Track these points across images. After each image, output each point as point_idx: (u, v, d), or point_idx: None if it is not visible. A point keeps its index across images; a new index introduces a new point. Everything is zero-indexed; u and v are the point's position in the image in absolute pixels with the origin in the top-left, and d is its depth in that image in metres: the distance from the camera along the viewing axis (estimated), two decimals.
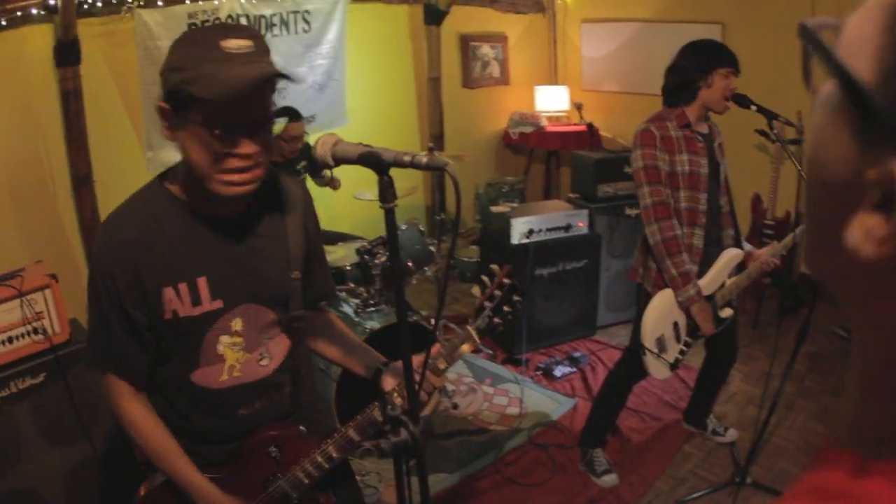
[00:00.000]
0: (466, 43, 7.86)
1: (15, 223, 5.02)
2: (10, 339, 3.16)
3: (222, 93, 1.58)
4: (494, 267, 2.14)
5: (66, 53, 4.81)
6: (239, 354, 1.94)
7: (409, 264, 4.81)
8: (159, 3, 5.00)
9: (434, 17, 7.13)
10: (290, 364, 2.06)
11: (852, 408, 0.62)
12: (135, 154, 5.29)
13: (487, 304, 2.10)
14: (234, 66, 1.61)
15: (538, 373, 5.30)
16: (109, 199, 5.20)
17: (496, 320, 2.11)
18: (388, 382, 2.05)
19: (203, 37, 1.70)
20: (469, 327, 2.09)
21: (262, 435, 1.99)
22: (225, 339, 1.91)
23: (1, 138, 4.88)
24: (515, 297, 2.13)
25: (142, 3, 4.90)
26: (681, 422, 4.51)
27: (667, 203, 3.49)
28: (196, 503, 1.89)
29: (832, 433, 0.63)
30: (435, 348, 2.05)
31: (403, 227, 4.91)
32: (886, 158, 0.48)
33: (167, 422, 1.93)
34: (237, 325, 1.92)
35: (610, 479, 3.97)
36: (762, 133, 4.68)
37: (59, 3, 4.56)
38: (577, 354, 5.48)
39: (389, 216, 1.52)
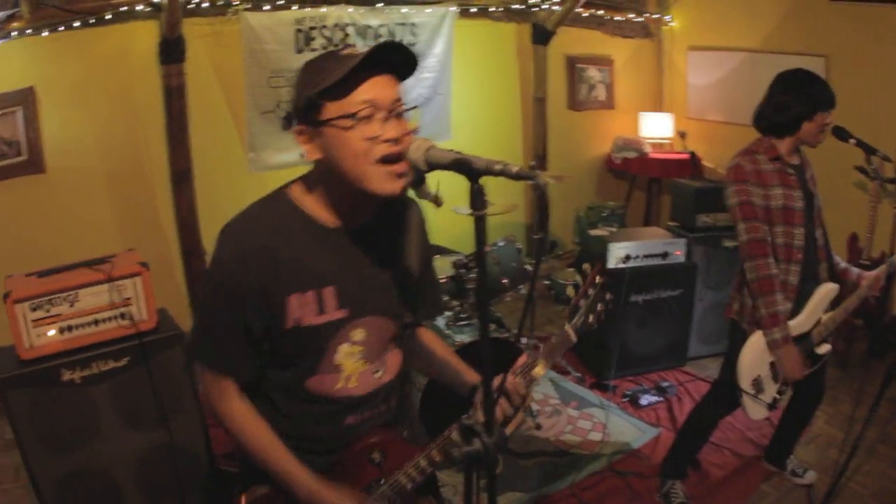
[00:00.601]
0: (573, 64, 7.87)
1: (111, 211, 5.23)
2: (96, 322, 3.28)
3: (347, 69, 1.66)
4: (587, 266, 2.21)
5: (171, 51, 5.00)
6: (358, 364, 1.97)
7: (505, 281, 4.84)
8: (266, 7, 5.13)
9: (541, 36, 7.16)
10: (402, 376, 2.13)
11: None
12: (235, 153, 5.44)
13: (583, 302, 2.16)
14: (355, 58, 1.70)
15: (624, 399, 5.28)
16: (208, 196, 5.39)
17: (590, 319, 2.21)
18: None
19: (325, 56, 1.81)
20: (567, 326, 2.20)
21: (365, 441, 2.01)
22: (345, 347, 1.94)
23: (102, 128, 5.09)
24: (608, 296, 2.23)
25: (249, 6, 5.03)
26: (761, 459, 4.44)
27: (763, 240, 3.44)
28: (304, 501, 1.90)
29: None
30: (521, 359, 2.12)
31: (501, 243, 4.96)
32: None
33: (272, 425, 1.95)
34: (358, 335, 1.95)
35: None
36: (861, 170, 4.58)
37: (165, 0, 4.72)
38: (665, 384, 5.43)
39: (479, 224, 1.53)
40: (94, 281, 3.24)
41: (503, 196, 5.85)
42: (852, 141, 3.50)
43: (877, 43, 6.33)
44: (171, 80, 5.06)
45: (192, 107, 5.22)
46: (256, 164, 5.35)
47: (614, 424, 4.91)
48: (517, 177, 1.51)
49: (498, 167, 1.52)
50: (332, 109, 1.72)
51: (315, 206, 1.89)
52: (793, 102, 3.43)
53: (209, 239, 5.38)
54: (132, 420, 3.39)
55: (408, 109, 1.81)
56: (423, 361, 2.29)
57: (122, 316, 3.32)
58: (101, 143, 5.06)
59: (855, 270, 3.77)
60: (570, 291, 2.25)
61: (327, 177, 1.84)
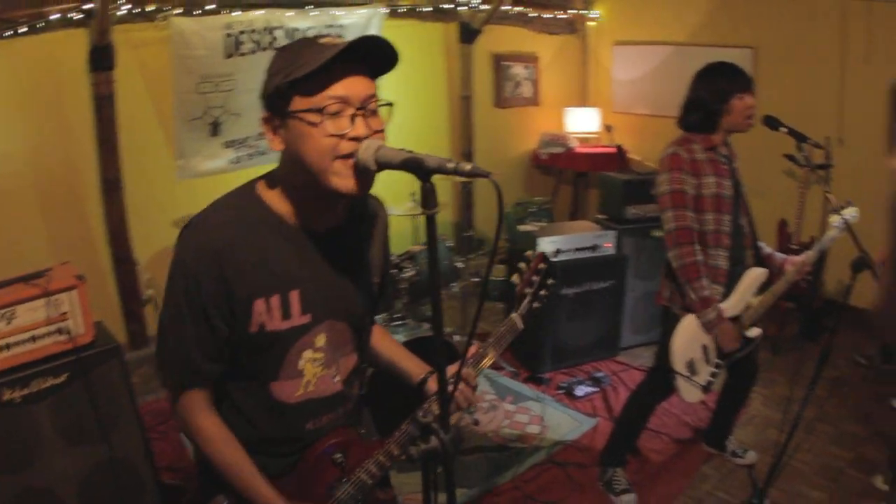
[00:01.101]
0: (499, 62, 7.91)
1: (43, 224, 5.08)
2: (33, 338, 3.14)
3: (322, 61, 1.60)
4: (529, 253, 2.23)
5: (101, 58, 4.87)
6: (318, 370, 1.93)
7: None
8: (196, 13, 5.05)
9: (468, 35, 7.17)
10: (355, 378, 2.08)
11: None
12: (165, 161, 5.33)
13: (528, 290, 2.18)
14: (331, 49, 1.63)
15: (560, 392, 5.31)
16: (138, 205, 5.29)
17: (535, 305, 2.22)
18: (434, 386, 2.09)
19: (298, 43, 1.74)
20: (514, 315, 2.20)
21: (325, 442, 1.97)
22: (307, 353, 1.90)
23: (32, 139, 4.94)
24: (550, 281, 2.23)
25: (179, 11, 4.96)
26: (700, 443, 4.51)
27: (690, 228, 3.52)
28: None
29: None
30: (472, 349, 2.10)
31: None
32: None
33: (233, 429, 1.89)
34: (321, 340, 1.91)
35: (629, 499, 3.97)
36: (790, 158, 4.69)
37: (96, 8, 4.61)
38: (599, 375, 5.48)
39: (431, 223, 1.49)
40: (31, 296, 3.10)
41: None
42: (783, 129, 3.58)
43: (804, 32, 6.51)
44: (100, 89, 4.93)
45: (121, 115, 5.10)
46: (185, 171, 5.25)
47: (551, 416, 4.93)
48: (471, 175, 1.48)
49: (451, 166, 1.48)
50: (300, 101, 1.66)
51: (281, 204, 1.83)
52: (706, 97, 3.53)
53: (140, 248, 5.30)
54: (74, 437, 3.27)
55: (381, 105, 1.76)
56: (371, 355, 2.25)
57: (60, 331, 3.19)
58: (31, 154, 4.90)
59: (779, 256, 3.87)
60: (514, 279, 2.27)
61: (291, 170, 1.78)
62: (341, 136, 1.66)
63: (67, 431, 3.25)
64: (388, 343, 2.32)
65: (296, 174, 1.75)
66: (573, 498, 4.05)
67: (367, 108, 1.70)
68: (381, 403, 3.54)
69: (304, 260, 1.84)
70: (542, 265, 2.23)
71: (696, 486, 4.15)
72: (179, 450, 4.36)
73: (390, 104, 1.79)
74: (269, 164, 4.96)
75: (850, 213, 3.70)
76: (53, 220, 5.11)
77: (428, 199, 1.50)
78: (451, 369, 2.05)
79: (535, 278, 2.23)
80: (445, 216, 7.67)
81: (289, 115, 1.69)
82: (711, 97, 3.51)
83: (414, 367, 2.22)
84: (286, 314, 1.82)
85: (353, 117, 1.67)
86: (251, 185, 1.88)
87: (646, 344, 6.02)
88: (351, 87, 1.68)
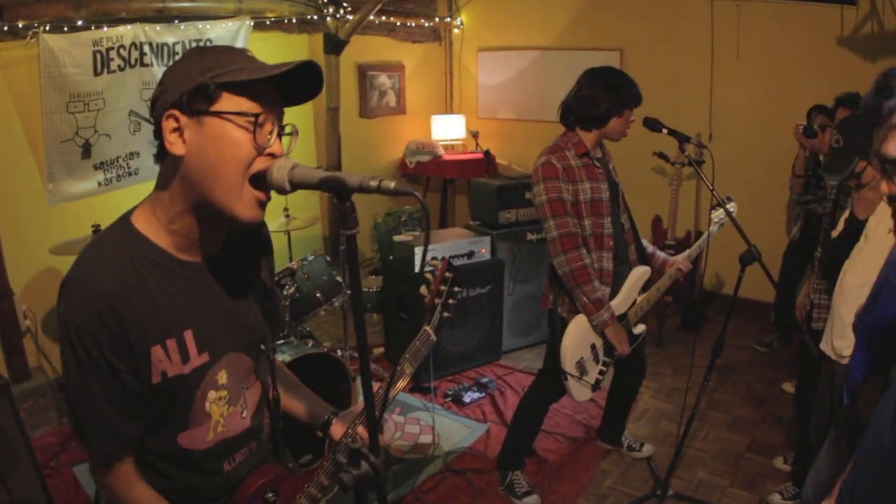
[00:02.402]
0: (364, 72, 7.85)
1: None
2: None
3: (276, 71, 1.52)
4: (434, 262, 2.20)
5: None
6: (224, 409, 1.82)
7: (318, 295, 4.77)
8: (65, 29, 4.85)
9: (334, 46, 7.09)
10: (263, 409, 1.98)
11: None
12: (36, 186, 5.06)
13: (437, 300, 2.15)
14: (268, 64, 1.56)
15: (447, 400, 5.31)
16: (11, 232, 5.01)
17: (445, 314, 2.18)
18: (338, 431, 2.02)
19: (225, 48, 1.62)
20: (426, 327, 2.15)
21: (253, 484, 1.88)
22: (212, 394, 1.78)
23: None
24: (456, 288, 2.20)
25: (47, 28, 4.74)
26: (595, 440, 4.59)
27: (573, 233, 3.56)
28: None
29: None
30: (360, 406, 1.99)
31: (311, 257, 4.87)
32: None
33: (150, 485, 1.75)
34: (223, 377, 1.80)
35: (532, 500, 3.99)
36: (661, 156, 4.81)
37: None
38: (484, 380, 5.51)
39: (351, 243, 1.44)
40: None
41: (303, 210, 5.80)
42: (664, 131, 3.67)
43: (669, 34, 6.77)
44: None
45: None
46: (55, 195, 4.99)
47: (442, 425, 4.91)
48: (395, 193, 1.44)
49: (373, 184, 1.43)
50: (229, 103, 1.54)
51: (163, 235, 1.67)
52: (603, 99, 3.56)
53: (15, 278, 5.03)
54: None
55: (289, 134, 1.68)
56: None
57: None
58: None
59: (661, 255, 3.99)
60: (422, 291, 2.24)
61: (182, 186, 1.61)
62: (262, 150, 1.57)
63: None
64: (285, 381, 2.20)
65: (187, 189, 1.61)
66: None
67: (278, 129, 1.62)
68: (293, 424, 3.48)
69: (193, 294, 1.72)
70: (448, 273, 2.21)
71: (598, 483, 4.22)
72: (74, 486, 4.16)
73: (296, 131, 1.70)
74: (139, 185, 4.78)
75: (731, 207, 3.83)
76: None
77: (347, 220, 1.44)
78: (357, 410, 2.02)
79: (442, 287, 2.21)
80: (317, 230, 7.57)
81: (210, 115, 1.54)
82: (610, 101, 3.56)
83: (314, 408, 2.14)
84: (185, 357, 1.70)
85: (272, 131, 1.59)
86: (126, 219, 1.70)
87: (527, 346, 6.11)
88: (274, 104, 1.61)
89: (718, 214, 3.92)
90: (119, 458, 1.68)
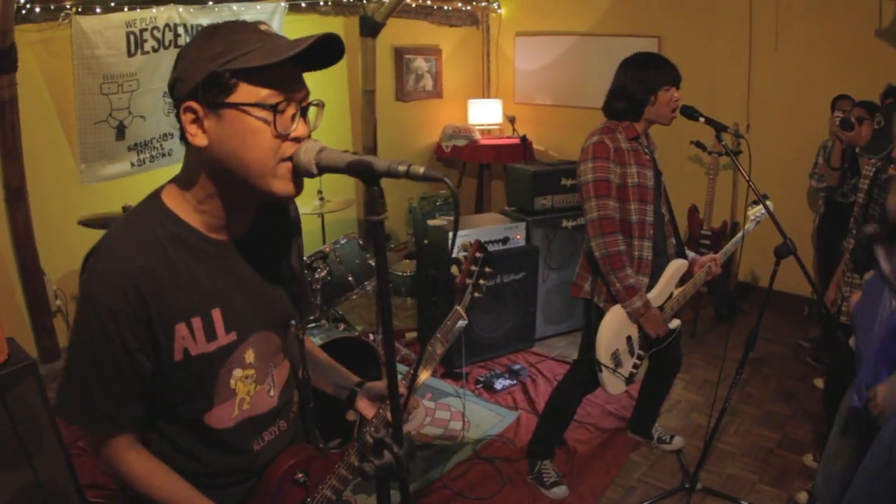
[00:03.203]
0: (401, 56, 7.84)
1: None
2: None
3: (290, 52, 1.45)
4: (466, 242, 2.19)
5: (3, 61, 4.61)
6: (250, 387, 1.80)
7: (350, 279, 4.75)
8: (97, 11, 4.85)
9: (370, 29, 7.08)
10: (292, 387, 1.97)
11: None
12: (69, 167, 5.12)
13: (468, 281, 2.14)
14: (283, 39, 1.51)
15: (479, 386, 5.29)
16: (43, 213, 5.06)
17: (476, 294, 2.17)
18: (363, 404, 2.03)
19: (235, 25, 1.55)
20: (458, 307, 2.14)
21: (283, 464, 1.87)
22: (238, 372, 1.75)
23: None
24: (488, 269, 2.18)
25: (80, 9, 4.75)
26: (626, 431, 4.55)
27: (613, 217, 3.51)
28: None
29: None
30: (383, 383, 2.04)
31: (343, 240, 4.85)
32: None
33: (178, 469, 1.74)
34: (250, 356, 1.78)
35: (560, 491, 3.97)
36: (698, 144, 4.75)
37: None
38: (516, 367, 5.48)
39: (379, 229, 1.38)
40: None
41: (337, 193, 5.79)
42: (702, 119, 3.60)
43: (707, 21, 6.67)
44: (2, 92, 4.65)
45: (22, 119, 4.83)
46: (88, 176, 5.04)
47: (473, 412, 4.90)
48: (424, 178, 1.36)
49: (402, 168, 1.36)
50: (246, 93, 1.48)
51: (192, 214, 1.65)
52: (632, 88, 3.52)
53: (46, 258, 5.06)
54: None
55: (314, 104, 1.62)
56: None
57: None
58: None
59: (690, 255, 3.91)
60: (453, 270, 2.22)
61: (208, 172, 1.59)
62: (285, 137, 1.53)
63: None
64: (312, 358, 2.18)
65: (215, 176, 1.59)
66: (504, 493, 4.03)
67: (303, 105, 1.58)
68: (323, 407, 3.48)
69: (222, 273, 1.70)
70: (479, 254, 2.19)
71: (627, 475, 4.18)
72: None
73: (321, 104, 1.65)
74: (172, 166, 4.78)
75: (769, 205, 3.76)
76: None
77: (375, 205, 1.39)
78: (380, 385, 2.02)
79: (473, 268, 2.18)
80: (351, 213, 7.57)
81: (227, 107, 1.49)
82: (639, 87, 3.50)
83: (341, 380, 2.14)
84: (211, 335, 1.68)
85: (293, 116, 1.54)
86: (156, 196, 1.68)
87: (560, 334, 6.08)
88: (296, 82, 1.55)
89: (755, 212, 3.84)
90: (118, 431, 1.66)
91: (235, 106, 1.49)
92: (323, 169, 1.50)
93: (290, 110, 1.54)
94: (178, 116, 1.56)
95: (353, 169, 1.42)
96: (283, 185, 1.56)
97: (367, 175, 1.39)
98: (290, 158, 1.54)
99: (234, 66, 1.46)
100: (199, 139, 1.53)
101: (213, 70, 1.47)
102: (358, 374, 2.13)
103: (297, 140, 1.54)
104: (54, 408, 2.11)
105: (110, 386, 1.60)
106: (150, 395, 1.66)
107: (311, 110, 1.61)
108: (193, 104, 1.51)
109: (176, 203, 1.65)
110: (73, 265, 5.34)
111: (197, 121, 1.52)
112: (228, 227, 1.70)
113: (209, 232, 1.67)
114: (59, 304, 5.27)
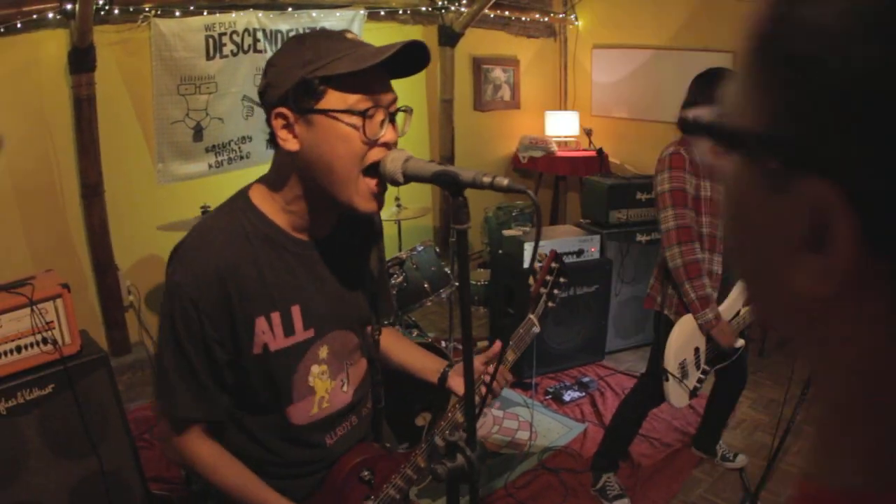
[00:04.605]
0: (479, 65, 7.91)
1: (22, 230, 5.00)
2: (18, 349, 3.07)
3: (379, 58, 1.51)
4: (542, 253, 2.22)
5: (82, 60, 4.79)
6: (327, 383, 1.87)
7: (426, 286, 4.82)
8: (176, 14, 5.01)
9: (449, 38, 7.17)
10: (367, 385, 2.04)
11: (815, 443, 0.65)
12: (146, 165, 5.29)
13: (543, 290, 2.19)
14: (370, 47, 1.57)
15: (548, 397, 5.32)
16: (119, 210, 5.23)
17: (550, 304, 2.23)
18: (456, 381, 2.07)
19: (323, 33, 1.64)
20: (531, 315, 2.20)
21: (351, 462, 1.94)
22: (315, 369, 1.83)
23: (11, 142, 4.85)
24: (563, 279, 2.24)
25: (159, 12, 4.91)
26: (690, 447, 4.55)
27: (690, 227, 3.52)
28: None
29: (806, 468, 0.65)
30: (496, 345, 2.03)
31: (420, 248, 4.92)
32: (798, 192, 0.50)
33: (250, 459, 1.82)
34: (324, 352, 1.84)
35: None
36: None
37: (77, 8, 4.52)
38: (585, 379, 5.50)
39: (462, 238, 1.46)
40: (16, 305, 3.02)
41: (414, 201, 5.86)
42: None
43: None
44: (81, 91, 4.84)
45: (101, 118, 5.01)
46: (165, 175, 5.20)
47: (540, 422, 4.94)
48: (507, 190, 1.42)
49: (486, 180, 1.40)
50: (335, 99, 1.56)
51: (279, 213, 1.74)
52: (700, 103, 3.52)
53: (121, 254, 5.21)
54: (61, 449, 3.21)
55: (402, 110, 1.69)
56: (382, 359, 2.19)
57: (45, 341, 3.11)
58: (10, 158, 4.79)
59: None
60: (530, 280, 2.27)
61: (298, 175, 1.67)
62: (374, 142, 1.60)
63: (55, 443, 3.19)
64: (401, 343, 2.28)
65: (302, 178, 1.67)
66: None
67: (391, 111, 1.64)
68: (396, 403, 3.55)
69: (303, 271, 1.77)
70: (554, 264, 2.23)
71: (688, 491, 4.18)
72: (167, 460, 4.33)
73: (410, 109, 1.71)
74: (250, 168, 4.90)
75: None
76: (33, 225, 5.02)
77: (459, 214, 1.44)
78: (477, 362, 2.02)
79: (548, 278, 2.23)
80: (427, 221, 7.65)
81: (318, 113, 1.56)
82: (707, 104, 3.51)
83: (431, 363, 2.18)
84: (289, 330, 1.75)
85: (382, 122, 1.61)
86: (244, 193, 1.78)
87: (631, 348, 6.07)
88: (384, 87, 1.62)
89: None
90: (195, 420, 1.75)
91: (325, 112, 1.56)
92: (409, 178, 1.56)
93: (379, 116, 1.60)
94: (268, 121, 1.63)
95: (439, 179, 1.47)
96: (363, 202, 1.64)
97: (452, 185, 1.44)
98: (374, 172, 1.61)
99: (323, 72, 1.53)
100: (291, 144, 1.61)
101: (302, 77, 1.54)
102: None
103: (386, 145, 1.61)
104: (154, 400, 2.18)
105: (194, 373, 1.68)
106: (228, 386, 1.74)
107: (400, 116, 1.68)
108: (284, 110, 1.58)
109: (263, 201, 1.74)
110: (147, 262, 5.53)
111: (287, 126, 1.60)
112: (312, 228, 1.77)
113: (293, 231, 1.75)
114: (132, 299, 5.43)
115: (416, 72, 1.68)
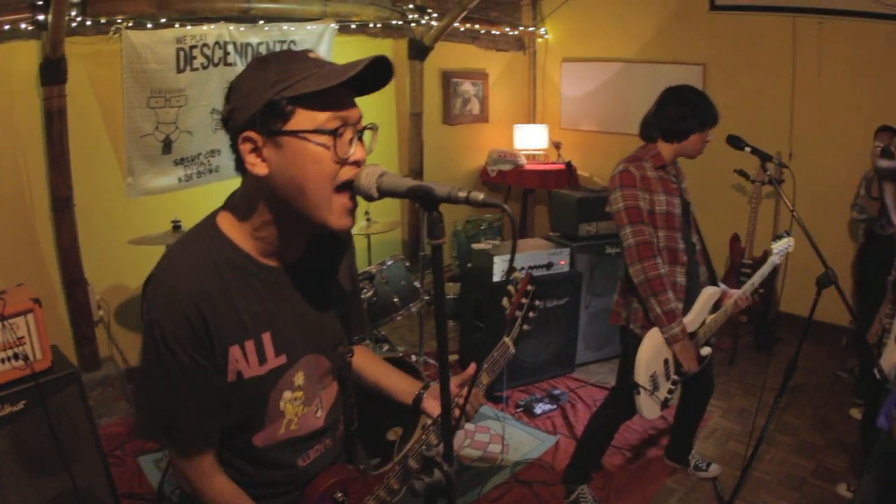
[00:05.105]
0: (448, 79, 7.91)
1: None
2: None
3: (344, 76, 1.49)
4: (517, 275, 2.22)
5: (53, 72, 4.72)
6: (299, 409, 1.84)
7: (396, 300, 4.81)
8: (148, 26, 4.97)
9: (418, 52, 7.17)
10: (338, 410, 2.00)
11: None
12: (116, 179, 5.20)
13: (518, 313, 2.17)
14: (334, 65, 1.55)
15: (519, 410, 5.31)
16: (89, 224, 5.15)
17: (525, 327, 2.21)
18: (430, 404, 2.05)
19: (286, 55, 1.60)
20: (506, 338, 2.18)
21: (323, 483, 1.89)
22: (287, 394, 1.80)
23: None
24: (538, 302, 2.22)
25: (130, 24, 4.86)
26: (662, 458, 4.56)
27: (650, 242, 3.55)
28: None
29: None
30: (471, 368, 2.03)
31: (389, 262, 4.92)
32: None
33: None
34: (300, 378, 1.82)
35: None
36: (741, 173, 4.75)
37: (50, 19, 4.44)
38: (556, 392, 5.50)
39: (437, 253, 1.44)
40: None
41: (383, 215, 5.86)
42: (747, 149, 3.64)
43: (751, 49, 6.68)
44: (52, 103, 4.76)
45: (71, 130, 4.94)
46: (135, 189, 5.13)
47: (512, 435, 4.93)
48: (483, 204, 1.43)
49: (461, 195, 1.42)
50: (304, 119, 1.53)
51: (248, 241, 1.70)
52: (684, 115, 3.57)
53: (91, 268, 5.14)
54: (33, 467, 3.17)
55: (368, 128, 1.66)
56: (355, 378, 2.14)
57: (17, 357, 3.07)
58: None
59: (721, 286, 3.92)
60: (504, 303, 2.26)
61: (267, 200, 1.64)
62: (344, 161, 1.57)
63: (27, 461, 3.15)
64: (374, 363, 2.23)
65: (274, 204, 1.63)
66: None
67: (359, 130, 1.62)
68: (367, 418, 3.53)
69: (274, 298, 1.74)
70: (529, 287, 2.23)
71: (662, 501, 4.19)
72: (138, 476, 4.28)
73: (375, 126, 1.68)
74: (219, 182, 4.85)
75: (788, 243, 3.84)
76: (2, 239, 4.91)
77: (434, 229, 1.43)
78: (451, 385, 2.01)
79: (523, 300, 2.22)
80: (396, 235, 7.64)
81: (287, 134, 1.53)
82: (693, 118, 3.57)
83: (405, 385, 2.15)
84: (262, 358, 1.72)
85: (351, 140, 1.58)
86: (211, 220, 1.73)
87: (601, 360, 6.09)
88: (350, 106, 1.60)
89: (779, 246, 3.88)
90: (200, 450, 1.71)
91: (294, 133, 1.53)
92: (384, 193, 1.54)
93: (348, 134, 1.58)
94: (233, 147, 1.60)
95: (414, 194, 1.47)
96: (338, 220, 1.61)
97: (427, 200, 1.44)
98: (346, 187, 1.58)
99: (291, 92, 1.50)
100: (260, 168, 1.57)
101: (269, 98, 1.51)
102: None
103: (356, 164, 1.58)
104: (133, 432, 2.06)
105: (191, 405, 1.65)
106: (224, 410, 1.71)
107: (367, 134, 1.65)
108: (252, 134, 1.55)
109: (231, 228, 1.70)
110: (117, 276, 5.45)
111: (256, 150, 1.57)
112: (281, 254, 1.74)
113: (262, 258, 1.72)
114: (102, 313, 5.36)
115: (379, 88, 1.65)
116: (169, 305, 1.59)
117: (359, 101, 1.64)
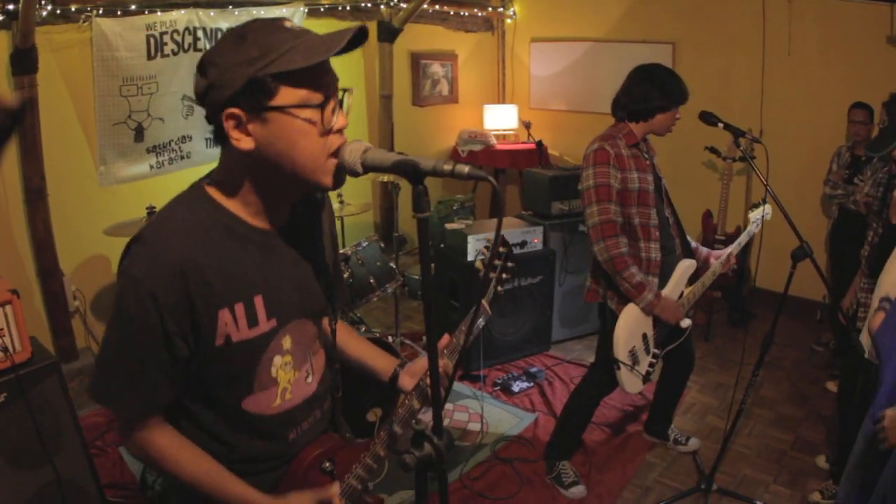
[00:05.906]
0: (417, 61, 7.89)
1: None
2: None
3: (325, 52, 1.48)
4: (490, 238, 2.23)
5: (24, 61, 4.65)
6: (290, 374, 1.83)
7: (372, 281, 4.81)
8: (118, 14, 4.91)
9: (388, 34, 7.15)
10: (329, 376, 2.01)
11: None
12: (89, 168, 5.15)
13: (492, 274, 2.17)
14: (312, 35, 1.53)
15: (496, 388, 5.34)
16: (63, 214, 5.10)
17: (499, 289, 2.20)
18: (406, 381, 2.05)
19: (261, 25, 1.55)
20: (483, 301, 2.17)
21: (311, 453, 1.90)
22: (278, 359, 1.79)
23: None
24: (510, 264, 2.21)
25: (101, 12, 4.81)
26: (642, 433, 4.61)
27: (614, 221, 3.59)
28: None
29: None
30: (444, 339, 2.06)
31: (364, 243, 4.92)
32: None
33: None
34: (287, 343, 1.80)
35: (578, 491, 4.03)
36: (712, 150, 4.80)
37: (20, 8, 4.39)
38: (533, 370, 5.53)
39: (423, 226, 1.44)
40: None
41: (356, 197, 5.84)
42: (720, 125, 3.67)
43: (721, 27, 6.73)
44: (23, 93, 4.69)
45: (43, 120, 4.87)
46: (107, 177, 5.08)
47: (491, 413, 4.96)
48: (469, 177, 1.40)
49: (447, 168, 1.40)
50: (288, 94, 1.51)
51: (236, 202, 1.68)
52: (655, 95, 3.59)
53: (66, 259, 5.10)
54: (16, 460, 3.13)
55: (345, 91, 1.64)
56: (343, 349, 2.15)
57: None
58: None
59: (704, 249, 3.99)
60: (478, 265, 2.27)
61: (252, 172, 1.63)
62: (330, 131, 1.57)
63: (9, 453, 3.12)
64: (354, 338, 2.23)
65: (259, 174, 1.63)
66: (523, 493, 4.09)
67: (337, 96, 1.61)
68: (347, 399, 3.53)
69: (263, 261, 1.73)
70: (502, 248, 2.23)
71: (643, 475, 4.24)
72: (120, 465, 4.27)
73: (350, 89, 1.66)
74: (191, 169, 4.80)
75: (764, 210, 3.87)
76: None
77: (420, 203, 1.42)
78: (422, 362, 2.02)
79: (497, 262, 2.22)
80: (368, 217, 7.64)
81: (272, 110, 1.52)
82: (662, 97, 3.59)
83: (383, 362, 2.15)
84: (252, 322, 1.70)
85: (333, 109, 1.57)
86: (199, 186, 1.71)
87: (577, 337, 6.14)
88: (330, 77, 1.59)
89: (755, 214, 3.93)
90: (150, 414, 1.68)
91: (280, 109, 1.52)
92: (368, 168, 1.54)
93: (331, 104, 1.57)
94: (209, 120, 1.59)
95: (399, 168, 1.46)
96: (329, 179, 1.61)
97: (412, 174, 1.43)
98: (335, 155, 1.58)
99: (275, 69, 1.48)
100: (245, 143, 1.55)
101: (252, 75, 1.49)
102: None
103: (340, 132, 1.59)
104: (87, 391, 2.10)
105: (146, 370, 1.61)
106: (184, 379, 1.68)
107: (345, 98, 1.63)
108: (235, 111, 1.53)
109: (219, 192, 1.69)
110: (92, 266, 5.41)
111: (240, 125, 1.55)
112: (270, 216, 1.73)
113: (252, 219, 1.70)
114: (78, 304, 5.32)
115: (352, 50, 1.60)
116: (152, 265, 1.56)
117: None
